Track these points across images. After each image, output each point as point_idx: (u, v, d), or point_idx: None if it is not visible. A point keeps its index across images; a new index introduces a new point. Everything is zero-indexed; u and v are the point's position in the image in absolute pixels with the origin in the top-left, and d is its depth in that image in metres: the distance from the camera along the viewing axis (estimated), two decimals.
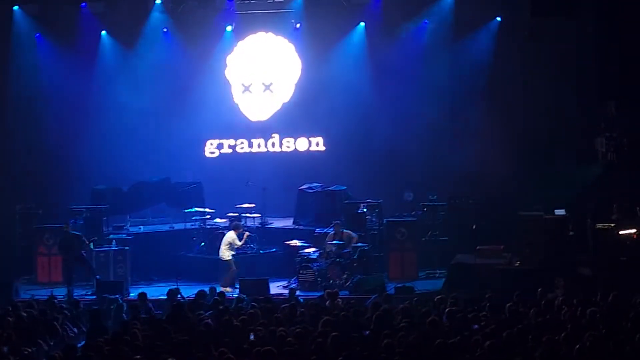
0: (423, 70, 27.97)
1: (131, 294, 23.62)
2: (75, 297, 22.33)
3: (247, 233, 24.82)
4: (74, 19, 28.39)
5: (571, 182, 25.43)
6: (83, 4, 28.27)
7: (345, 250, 24.16)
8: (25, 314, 18.50)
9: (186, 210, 26.48)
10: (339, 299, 19.64)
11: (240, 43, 29.37)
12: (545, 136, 26.95)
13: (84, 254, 24.08)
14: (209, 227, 26.29)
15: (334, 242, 24.28)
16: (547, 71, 26.97)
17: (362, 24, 28.55)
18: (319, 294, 21.93)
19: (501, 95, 27.21)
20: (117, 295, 21.28)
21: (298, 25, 28.69)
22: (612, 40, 26.07)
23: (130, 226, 27.19)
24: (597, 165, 26.12)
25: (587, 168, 26.00)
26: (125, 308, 20.12)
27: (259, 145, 29.35)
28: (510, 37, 27.37)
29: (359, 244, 24.41)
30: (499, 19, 27.74)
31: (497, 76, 27.36)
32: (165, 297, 21.11)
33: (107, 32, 28.75)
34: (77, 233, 24.22)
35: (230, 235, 24.44)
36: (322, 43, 28.55)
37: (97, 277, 23.74)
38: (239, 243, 24.39)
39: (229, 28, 28.95)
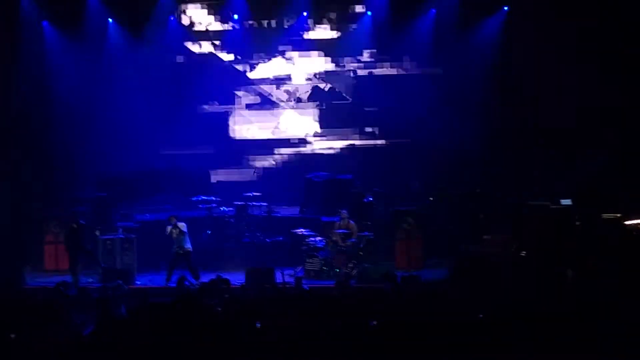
0: (429, 58, 27.94)
1: (137, 282, 23.71)
2: (80, 285, 22.37)
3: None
4: (81, 6, 28.38)
5: (578, 172, 25.41)
6: None
7: (351, 240, 24.17)
8: (32, 302, 18.55)
9: (193, 199, 26.47)
10: (347, 289, 19.67)
11: None
12: (552, 125, 26.90)
13: (88, 245, 24.09)
14: (215, 215, 26.32)
15: (340, 231, 24.28)
16: (555, 59, 26.92)
17: (369, 12, 28.53)
18: (324, 282, 21.99)
19: (508, 85, 27.15)
20: (119, 282, 21.37)
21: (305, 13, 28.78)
22: (620, 31, 26.11)
23: (136, 214, 27.23)
24: (605, 154, 26.11)
25: (595, 157, 25.98)
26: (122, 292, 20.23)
27: None
28: (517, 26, 27.32)
29: (365, 233, 24.42)
30: (506, 7, 27.72)
31: (505, 65, 27.33)
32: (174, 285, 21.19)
33: (114, 20, 28.72)
34: (83, 222, 24.26)
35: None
36: (328, 31, 28.53)
37: (103, 265, 23.83)
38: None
39: (235, 17, 28.93)
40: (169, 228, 24.02)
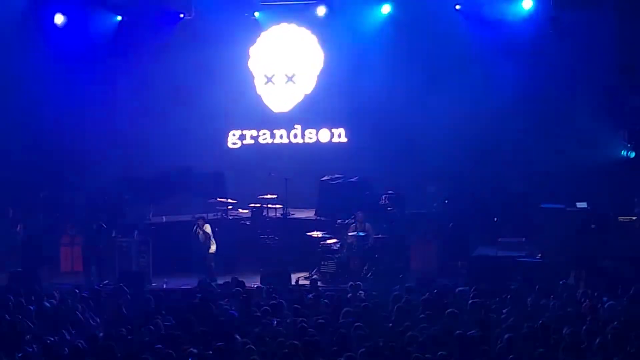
0: (447, 59, 27.81)
1: (153, 284, 23.75)
2: (96, 287, 22.42)
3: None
4: (91, 4, 28.32)
5: (593, 175, 25.34)
6: None
7: (367, 242, 24.16)
8: (47, 304, 18.63)
9: (208, 201, 26.50)
10: (361, 291, 19.69)
11: (263, 34, 29.33)
12: (567, 128, 26.82)
13: (103, 246, 24.18)
14: (231, 217, 26.36)
15: (356, 233, 24.28)
16: (570, 63, 26.84)
17: (386, 11, 28.37)
18: (340, 285, 21.99)
19: (522, 88, 27.03)
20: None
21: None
22: (636, 31, 26.00)
23: (152, 216, 27.25)
24: (620, 157, 26.05)
25: (610, 161, 25.92)
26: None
27: (281, 137, 29.31)
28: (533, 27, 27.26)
29: (380, 235, 24.41)
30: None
31: (519, 67, 27.21)
32: (193, 287, 21.35)
33: (125, 19, 28.65)
34: (100, 224, 24.34)
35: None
36: (344, 33, 28.46)
37: (118, 267, 23.92)
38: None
39: (256, 14, 28.90)
40: (195, 229, 24.26)
